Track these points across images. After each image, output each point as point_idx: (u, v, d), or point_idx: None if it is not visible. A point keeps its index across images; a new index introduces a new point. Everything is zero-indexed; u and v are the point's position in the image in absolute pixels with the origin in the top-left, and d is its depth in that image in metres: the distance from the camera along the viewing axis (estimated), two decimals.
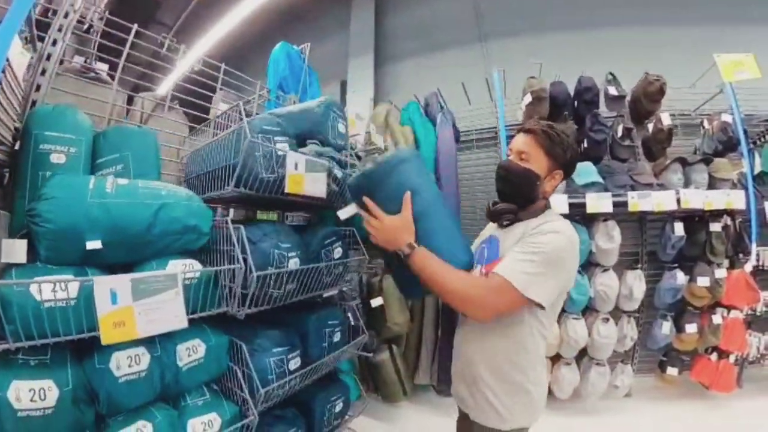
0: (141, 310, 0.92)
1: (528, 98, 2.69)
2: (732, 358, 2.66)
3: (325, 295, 1.74)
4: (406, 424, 2.47)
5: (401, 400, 2.64)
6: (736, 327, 2.63)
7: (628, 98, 2.85)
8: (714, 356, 2.67)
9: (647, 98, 2.73)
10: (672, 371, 2.72)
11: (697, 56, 2.86)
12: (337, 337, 1.50)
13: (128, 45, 1.61)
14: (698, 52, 2.89)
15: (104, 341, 0.88)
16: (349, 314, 1.64)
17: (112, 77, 1.65)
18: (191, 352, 1.12)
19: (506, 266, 0.98)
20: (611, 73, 2.87)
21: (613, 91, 2.77)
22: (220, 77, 1.83)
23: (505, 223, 1.13)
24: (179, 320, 0.96)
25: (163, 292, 0.95)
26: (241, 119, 1.14)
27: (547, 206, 1.14)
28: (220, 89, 1.94)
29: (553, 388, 2.64)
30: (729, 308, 2.66)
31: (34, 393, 0.83)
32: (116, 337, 0.89)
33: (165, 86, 2.12)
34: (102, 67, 1.76)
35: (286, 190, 1.20)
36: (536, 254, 0.96)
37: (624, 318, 2.68)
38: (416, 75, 4.12)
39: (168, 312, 0.95)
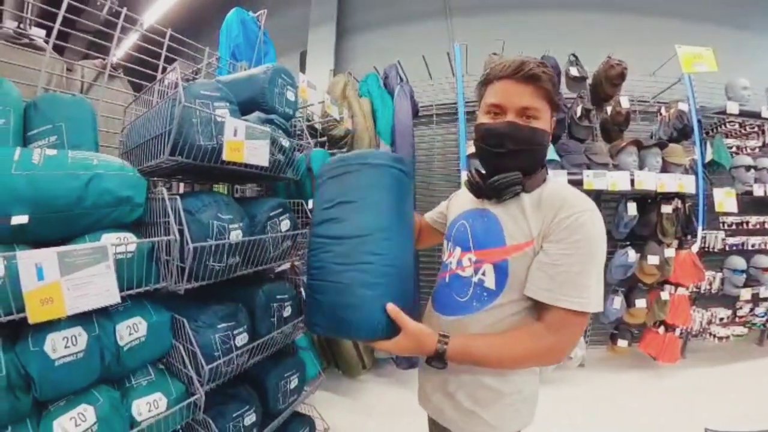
0: (70, 286, 0.87)
1: None
2: (677, 332, 2.84)
3: (277, 269, 1.71)
4: (366, 397, 2.49)
5: (361, 374, 2.68)
6: (681, 303, 2.79)
7: (589, 81, 2.91)
8: (661, 330, 2.84)
9: (608, 81, 2.79)
10: (622, 343, 2.88)
11: (658, 46, 2.95)
12: (287, 312, 1.47)
13: (63, 7, 1.49)
14: (660, 43, 2.97)
15: (31, 320, 0.83)
16: (302, 288, 1.61)
17: (54, 46, 1.53)
18: (132, 331, 1.08)
19: (556, 290, 0.78)
20: (574, 55, 2.91)
21: (574, 71, 2.82)
22: (165, 43, 1.73)
23: (507, 197, 0.88)
24: (111, 295, 0.92)
25: (93, 266, 0.90)
26: (176, 86, 1.07)
27: (544, 166, 0.93)
28: (175, 59, 1.84)
29: None
30: (676, 286, 2.82)
31: None
32: (44, 314, 0.84)
33: (116, 56, 2.00)
34: (38, 33, 1.63)
35: (224, 158, 1.14)
36: (581, 257, 0.78)
37: None
38: (379, 47, 4.00)
39: (99, 287, 0.90)
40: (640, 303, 2.77)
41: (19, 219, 0.91)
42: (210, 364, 1.14)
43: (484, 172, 0.96)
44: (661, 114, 2.99)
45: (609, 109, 2.84)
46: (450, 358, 0.82)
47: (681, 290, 2.82)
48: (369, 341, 0.87)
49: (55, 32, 1.49)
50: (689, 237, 2.86)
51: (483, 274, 0.89)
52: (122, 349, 1.05)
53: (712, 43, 2.88)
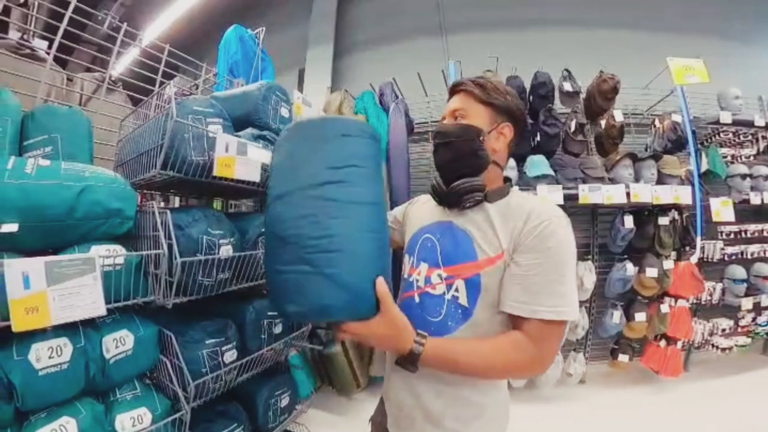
0: (56, 296, 0.87)
1: None
2: (679, 345, 2.80)
3: None
4: (360, 416, 2.39)
5: (356, 392, 2.63)
6: (682, 315, 2.76)
7: (582, 95, 2.94)
8: (662, 343, 2.79)
9: (601, 96, 2.82)
10: (623, 358, 2.83)
11: (651, 59, 2.99)
12: (278, 329, 1.45)
13: (65, 20, 1.53)
14: (652, 56, 3.01)
15: (15, 328, 0.82)
16: None
17: (57, 58, 1.56)
18: (119, 344, 1.06)
19: (532, 301, 0.76)
20: (567, 70, 2.95)
21: (568, 86, 2.85)
22: (164, 59, 1.76)
23: (468, 204, 0.87)
24: (97, 307, 0.91)
25: (80, 277, 0.90)
26: (170, 101, 1.09)
27: (507, 180, 0.95)
28: (174, 74, 1.87)
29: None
30: (676, 298, 2.79)
31: None
32: (29, 323, 0.84)
33: (117, 70, 2.03)
34: (41, 45, 1.66)
35: (215, 173, 1.15)
36: (555, 264, 0.77)
37: None
38: (376, 65, 4.07)
39: (85, 298, 0.90)
40: (640, 317, 2.73)
41: (9, 227, 0.92)
42: (196, 380, 1.12)
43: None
44: (655, 126, 3.00)
45: (603, 122, 2.86)
46: (424, 360, 0.77)
47: (681, 302, 2.78)
48: (349, 319, 0.77)
49: (56, 45, 1.52)
50: (687, 248, 2.85)
51: (456, 290, 0.85)
52: (108, 362, 1.04)
53: (703, 54, 2.92)
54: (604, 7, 3.92)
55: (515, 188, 0.94)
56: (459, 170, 0.89)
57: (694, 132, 2.86)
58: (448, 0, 4.16)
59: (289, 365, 1.76)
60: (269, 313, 1.43)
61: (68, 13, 1.52)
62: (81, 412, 0.96)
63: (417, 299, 0.91)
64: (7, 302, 0.82)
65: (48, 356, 0.91)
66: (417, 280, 0.92)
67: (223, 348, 1.24)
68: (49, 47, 1.54)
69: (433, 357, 0.77)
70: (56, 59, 1.58)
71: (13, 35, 1.57)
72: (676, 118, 2.84)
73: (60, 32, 1.51)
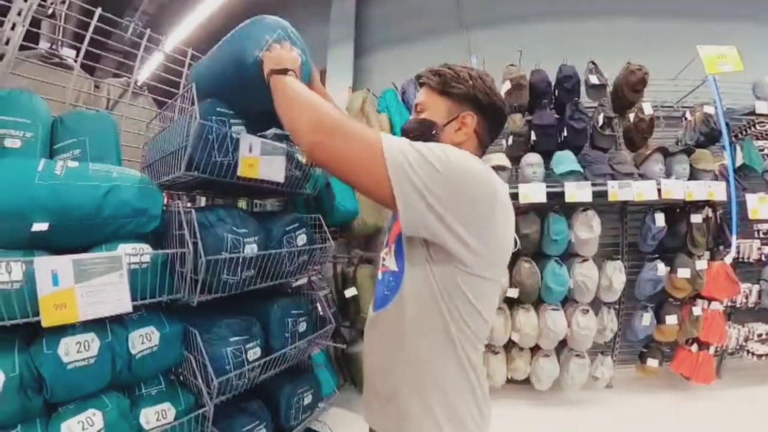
0: (83, 293, 0.90)
1: (507, 86, 2.68)
2: (712, 350, 2.68)
3: (294, 284, 1.72)
4: None
5: None
6: (716, 319, 2.63)
7: (609, 88, 2.84)
8: (694, 347, 2.68)
9: (629, 88, 2.72)
10: (652, 363, 2.72)
11: (680, 48, 2.86)
12: (302, 327, 1.46)
13: (91, 28, 1.58)
14: (682, 45, 2.87)
15: (45, 323, 0.86)
16: (318, 304, 1.60)
17: (85, 65, 1.63)
18: (145, 340, 1.09)
19: (393, 137, 0.76)
20: (593, 62, 2.85)
21: (594, 79, 2.76)
22: (187, 62, 1.80)
23: None
24: (123, 304, 0.93)
25: (107, 275, 0.92)
26: (194, 102, 1.11)
27: None
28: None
29: (533, 380, 2.64)
30: (709, 300, 2.67)
31: None
32: (57, 319, 0.87)
33: (142, 74, 2.09)
34: (68, 53, 1.73)
35: (239, 174, 1.16)
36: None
37: (604, 309, 2.68)
38: (397, 63, 4.04)
39: (112, 295, 0.92)
40: (671, 319, 2.62)
41: (40, 226, 0.95)
42: (220, 377, 1.13)
43: None
44: (686, 119, 2.89)
45: (631, 116, 2.76)
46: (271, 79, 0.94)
47: (715, 305, 2.66)
48: None
49: (82, 53, 1.58)
50: (722, 247, 2.72)
51: (389, 258, 0.87)
52: (134, 357, 1.06)
53: (735, 41, 2.77)
54: None
55: None
56: None
57: (727, 124, 2.71)
58: None
59: (312, 363, 1.77)
60: (293, 312, 1.45)
61: (93, 22, 1.57)
62: (107, 405, 0.99)
63: (380, 276, 0.93)
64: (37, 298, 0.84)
65: (76, 351, 0.94)
66: (384, 259, 0.93)
67: (247, 346, 1.26)
68: (77, 55, 1.60)
69: (292, 81, 0.91)
70: (84, 66, 1.64)
71: (43, 45, 1.63)
72: (709, 109, 2.71)
73: (86, 41, 1.57)
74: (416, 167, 0.70)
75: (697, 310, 2.62)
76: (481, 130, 0.90)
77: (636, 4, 3.72)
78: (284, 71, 0.93)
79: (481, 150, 0.93)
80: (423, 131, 0.88)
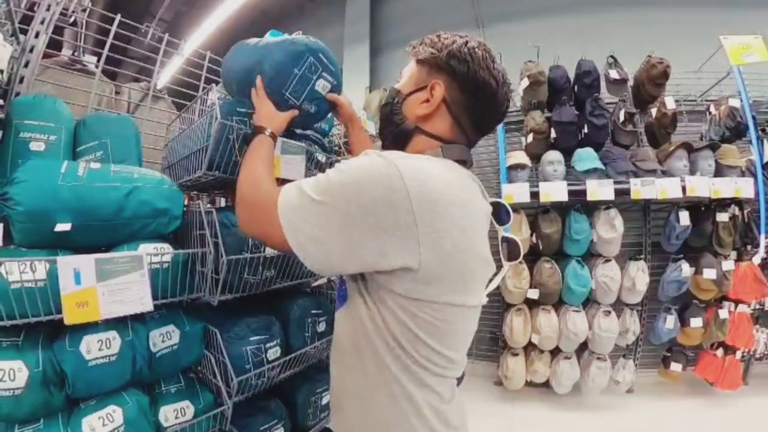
0: (105, 291, 0.91)
1: (525, 82, 2.65)
2: (738, 354, 2.59)
3: (314, 284, 1.72)
4: None
5: None
6: (743, 322, 2.55)
7: (630, 82, 2.78)
8: (720, 352, 2.60)
9: (650, 82, 2.65)
10: (676, 367, 2.65)
11: (702, 39, 2.78)
12: (321, 327, 1.45)
13: (111, 35, 1.62)
14: (704, 35, 2.79)
15: (67, 321, 0.87)
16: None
17: (106, 71, 1.67)
18: (165, 338, 1.10)
19: (296, 182, 0.69)
20: (612, 56, 2.80)
21: (614, 74, 2.71)
22: (205, 65, 1.83)
23: None
24: (144, 303, 0.94)
25: (128, 274, 0.93)
26: (213, 103, 1.12)
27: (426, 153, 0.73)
28: (215, 80, 1.94)
29: (553, 383, 2.60)
30: (736, 302, 2.59)
31: (3, 373, 0.84)
32: (79, 317, 0.88)
33: (162, 79, 2.13)
34: (90, 60, 1.78)
35: None
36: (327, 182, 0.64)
37: (626, 311, 2.62)
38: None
39: (133, 294, 0.93)
40: (696, 322, 2.55)
41: (63, 227, 0.96)
42: (240, 377, 1.13)
43: None
44: (710, 113, 2.80)
45: (654, 111, 2.70)
46: (258, 137, 0.94)
47: (742, 307, 2.58)
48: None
49: (103, 59, 1.62)
50: (749, 247, 2.64)
51: None
52: (154, 355, 1.07)
53: (761, 29, 2.67)
54: None
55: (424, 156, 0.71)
56: (383, 137, 0.83)
57: (754, 117, 2.61)
58: None
59: (330, 364, 1.76)
60: (313, 312, 1.44)
61: (113, 29, 1.61)
62: (127, 402, 1.00)
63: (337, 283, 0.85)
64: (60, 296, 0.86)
65: (98, 348, 0.95)
66: None
67: (267, 345, 1.25)
68: (98, 61, 1.64)
69: (257, 142, 0.92)
70: (105, 72, 1.69)
71: (66, 52, 1.68)
72: (734, 102, 2.63)
73: (107, 47, 1.61)
74: (300, 209, 0.64)
75: (723, 313, 2.55)
76: (455, 105, 0.74)
77: None
78: (260, 129, 0.95)
79: (461, 130, 0.76)
80: (388, 101, 0.81)
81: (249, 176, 0.82)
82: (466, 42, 0.74)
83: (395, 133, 0.79)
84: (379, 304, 0.65)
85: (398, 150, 0.72)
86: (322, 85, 1.08)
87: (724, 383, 2.53)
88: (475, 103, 0.74)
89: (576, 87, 2.73)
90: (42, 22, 1.36)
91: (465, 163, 0.76)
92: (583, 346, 2.61)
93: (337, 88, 1.13)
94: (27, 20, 1.37)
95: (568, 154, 2.63)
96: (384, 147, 0.82)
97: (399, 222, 0.58)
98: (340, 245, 0.61)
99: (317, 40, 1.09)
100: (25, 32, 1.35)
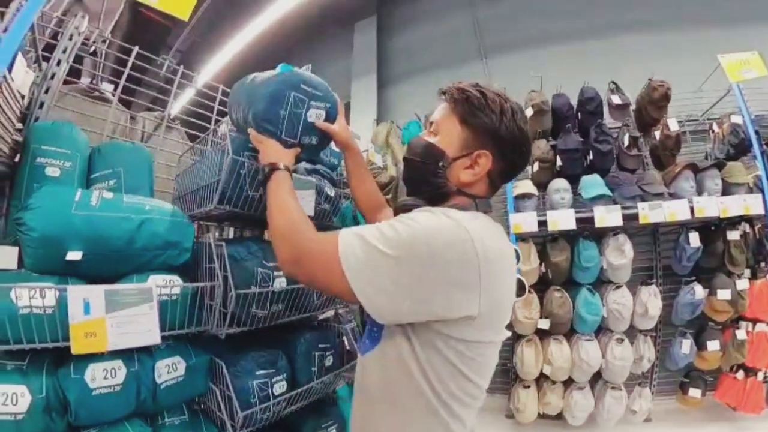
0: (113, 323, 0.91)
1: (529, 112, 2.68)
2: (760, 376, 2.48)
3: (320, 317, 1.70)
4: None
5: None
6: (762, 341, 2.46)
7: (632, 106, 2.81)
8: (740, 374, 2.50)
9: (652, 105, 2.68)
10: (695, 393, 2.56)
11: (701, 59, 2.82)
12: (328, 362, 1.43)
13: (129, 65, 1.68)
14: (703, 55, 2.84)
15: (74, 351, 0.87)
16: (344, 338, 1.57)
17: (122, 99, 1.72)
18: (170, 370, 1.09)
19: (353, 231, 0.71)
20: (613, 82, 2.84)
21: (616, 99, 2.74)
22: (218, 97, 1.88)
23: None
24: (152, 335, 0.94)
25: (137, 306, 0.93)
26: (225, 135, 1.13)
27: (464, 207, 0.76)
28: (227, 112, 1.99)
29: (566, 414, 2.52)
30: (754, 321, 2.51)
31: (6, 397, 0.83)
32: (86, 347, 0.88)
33: (175, 109, 2.19)
34: (107, 88, 1.84)
35: None
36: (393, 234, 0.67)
37: (640, 338, 2.56)
38: (419, 94, 4.12)
39: (141, 326, 0.93)
40: (713, 345, 2.48)
41: (74, 255, 0.97)
42: (245, 411, 1.11)
43: None
44: (713, 131, 2.80)
45: (657, 133, 2.71)
46: (270, 179, 0.91)
47: (760, 326, 2.49)
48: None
49: (120, 87, 1.67)
50: (763, 264, 2.58)
51: None
52: (159, 386, 1.06)
53: (759, 45, 2.70)
54: (644, 7, 3.73)
55: (439, 209, 0.75)
56: (416, 190, 0.85)
57: (757, 132, 2.59)
58: (484, 23, 4.21)
59: (336, 397, 1.72)
60: (320, 346, 1.42)
61: (131, 60, 1.67)
62: None
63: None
64: (68, 324, 0.86)
65: (103, 377, 0.95)
66: None
67: (273, 379, 1.23)
68: (115, 89, 1.69)
69: (278, 179, 0.90)
70: (121, 100, 1.74)
71: (84, 80, 1.74)
72: (736, 119, 2.62)
73: (124, 76, 1.67)
74: (369, 262, 0.66)
75: (741, 334, 2.47)
76: (495, 174, 0.78)
77: (652, 15, 3.70)
78: (273, 167, 0.93)
79: (493, 188, 0.82)
80: (427, 159, 0.79)
81: (284, 215, 0.82)
82: (513, 113, 0.76)
83: (434, 194, 0.81)
84: (425, 345, 0.69)
85: (432, 202, 0.80)
86: (315, 115, 1.07)
87: (747, 407, 2.43)
88: (509, 168, 0.80)
89: (579, 114, 2.76)
90: (64, 51, 1.42)
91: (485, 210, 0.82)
92: (597, 376, 2.54)
93: (331, 109, 1.11)
94: (50, 48, 1.43)
95: (574, 182, 2.63)
96: (411, 194, 0.86)
97: (468, 279, 0.65)
98: (411, 299, 0.65)
99: (294, 69, 1.06)
100: (47, 59, 1.40)
